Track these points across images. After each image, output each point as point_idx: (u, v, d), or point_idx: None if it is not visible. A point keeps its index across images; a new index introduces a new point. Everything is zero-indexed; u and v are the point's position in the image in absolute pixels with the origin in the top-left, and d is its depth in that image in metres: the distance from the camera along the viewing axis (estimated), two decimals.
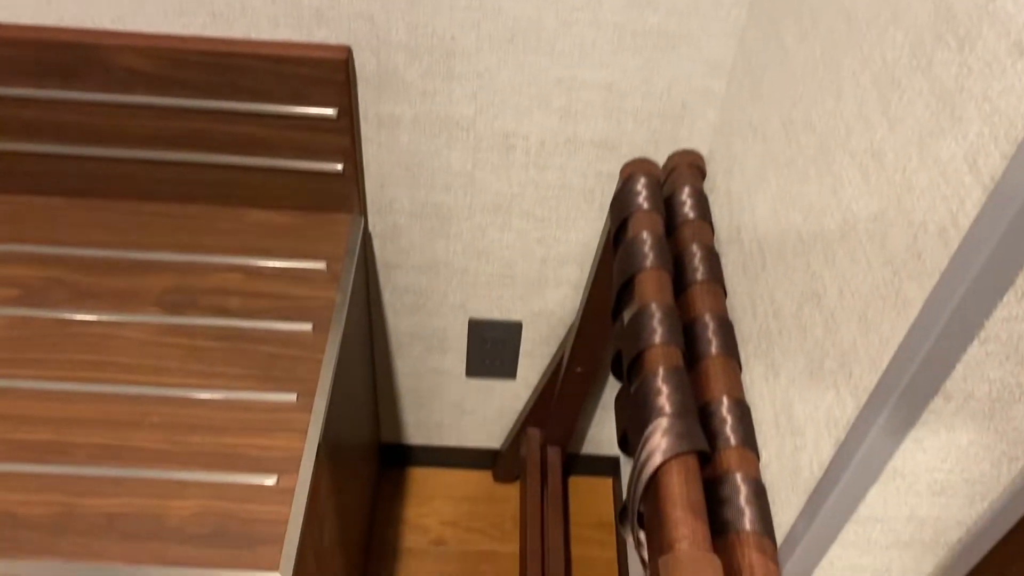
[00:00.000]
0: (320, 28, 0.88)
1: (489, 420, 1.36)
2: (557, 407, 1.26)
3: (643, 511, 0.71)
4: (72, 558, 0.71)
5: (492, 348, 1.23)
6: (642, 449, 0.71)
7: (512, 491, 1.43)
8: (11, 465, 0.76)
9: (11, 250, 0.94)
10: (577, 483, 1.46)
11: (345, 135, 0.94)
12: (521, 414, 1.34)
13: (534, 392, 1.29)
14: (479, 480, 1.45)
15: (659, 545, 0.65)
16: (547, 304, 1.16)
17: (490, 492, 1.43)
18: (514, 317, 1.19)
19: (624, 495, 0.76)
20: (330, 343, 0.88)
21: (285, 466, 0.78)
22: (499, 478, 1.44)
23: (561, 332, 1.21)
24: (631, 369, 0.80)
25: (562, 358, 1.19)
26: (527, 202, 1.03)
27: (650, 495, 0.69)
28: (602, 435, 1.39)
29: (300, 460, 0.79)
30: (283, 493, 0.76)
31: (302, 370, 0.86)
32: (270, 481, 0.77)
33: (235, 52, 0.87)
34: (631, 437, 0.76)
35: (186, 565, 0.71)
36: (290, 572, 0.71)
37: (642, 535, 0.73)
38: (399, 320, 1.19)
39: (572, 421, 1.29)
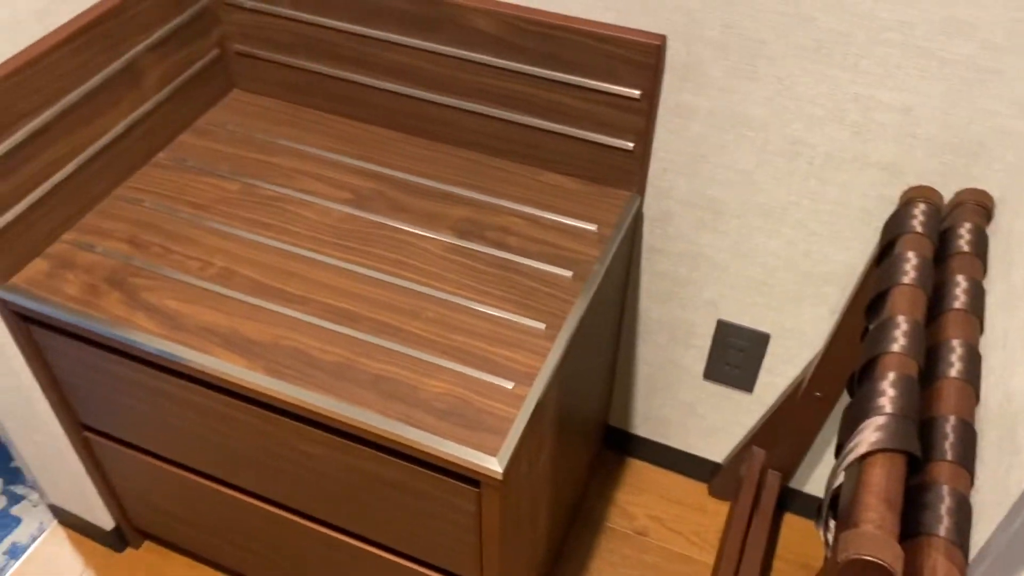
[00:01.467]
0: (642, 16, 0.99)
1: (716, 429, 1.40)
2: (788, 430, 1.27)
3: (837, 497, 0.74)
4: (342, 398, 0.88)
5: (735, 355, 1.27)
6: (850, 442, 0.74)
7: (724, 508, 1.46)
8: (316, 319, 0.95)
9: (352, 163, 1.16)
10: (791, 520, 1.45)
11: (642, 116, 1.05)
12: (750, 431, 1.36)
13: (768, 411, 1.31)
14: (694, 489, 1.48)
15: (845, 525, 0.68)
16: (799, 322, 1.19)
17: (701, 503, 1.46)
18: (763, 328, 1.22)
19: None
20: (584, 290, 0.99)
21: (522, 378, 0.90)
22: (714, 492, 1.47)
23: (808, 355, 1.22)
24: (862, 375, 0.82)
25: (802, 381, 1.21)
26: (801, 212, 1.08)
27: (848, 482, 0.72)
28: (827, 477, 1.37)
29: (536, 376, 0.90)
30: (516, 398, 0.88)
31: (555, 306, 0.97)
32: (508, 385, 0.89)
33: (566, 26, 1.01)
34: (843, 438, 0.78)
35: (423, 428, 0.85)
36: (505, 462, 0.82)
37: (832, 523, 0.75)
38: (651, 304, 1.27)
39: (800, 448, 1.29)
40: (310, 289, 0.99)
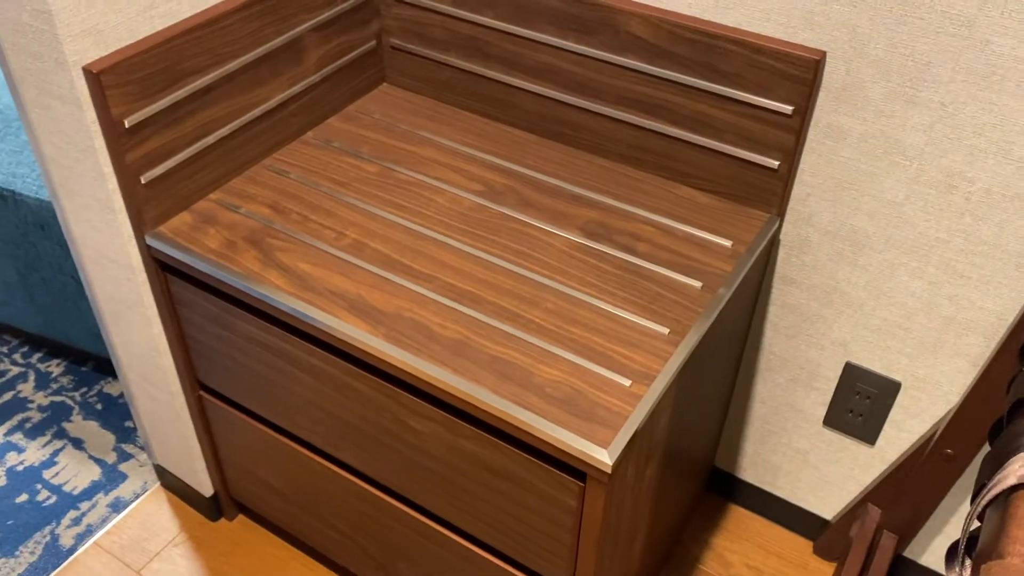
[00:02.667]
0: (804, 30, 0.98)
1: (829, 482, 1.33)
2: (910, 490, 1.20)
3: (977, 535, 0.68)
4: (458, 373, 0.88)
5: (860, 402, 1.21)
6: (992, 479, 0.69)
7: (827, 569, 1.38)
8: (439, 296, 0.96)
9: (487, 159, 1.18)
10: None
11: (792, 134, 1.03)
12: (866, 488, 1.29)
13: (889, 467, 1.24)
14: (797, 544, 1.41)
15: (988, 557, 0.63)
16: (935, 372, 1.12)
17: (804, 560, 1.39)
18: (894, 375, 1.16)
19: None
20: (713, 302, 0.97)
21: (640, 377, 0.88)
22: (819, 551, 1.40)
23: (940, 409, 1.15)
24: (1010, 414, 0.77)
25: (932, 437, 1.14)
26: (951, 252, 1.03)
27: (992, 517, 0.66)
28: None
29: (655, 378, 0.88)
30: (632, 396, 0.86)
31: (680, 313, 0.95)
32: (625, 382, 0.87)
33: (724, 35, 1.00)
34: (984, 479, 0.73)
35: (534, 411, 0.84)
36: (615, 456, 0.80)
37: (968, 563, 0.70)
38: (775, 339, 1.23)
39: (922, 511, 1.21)
40: (436, 268, 1.00)
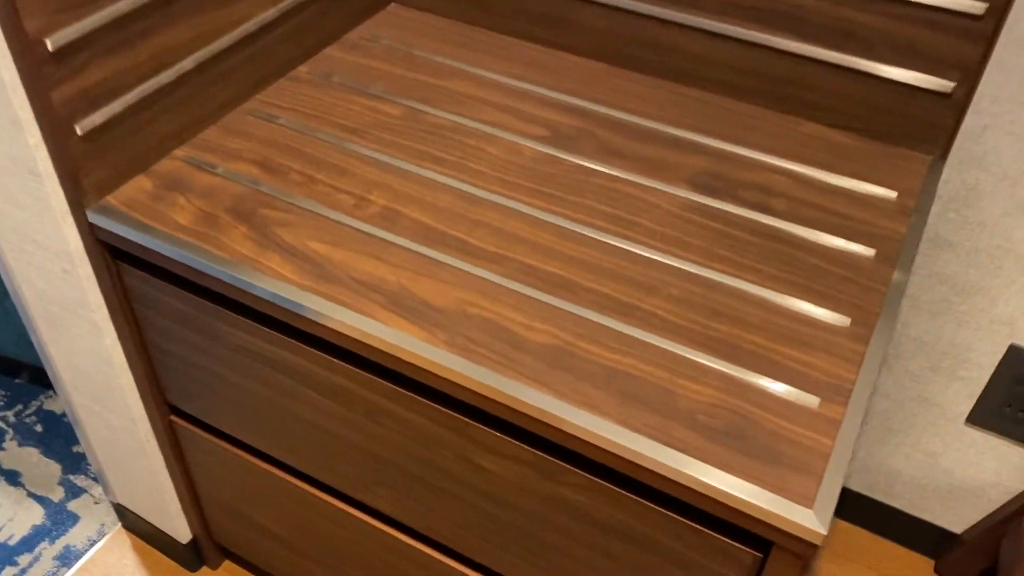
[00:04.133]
0: None
1: (964, 490, 1.09)
2: None
3: None
4: (562, 396, 0.60)
5: (1022, 394, 0.97)
6: None
7: None
8: (515, 284, 0.69)
9: (546, 95, 0.90)
10: None
11: (978, 44, 0.76)
12: (1017, 498, 1.05)
13: None
14: (914, 564, 1.17)
15: None
16: None
17: None
18: None
19: None
20: (896, 279, 0.71)
21: (830, 392, 0.61)
22: (943, 571, 1.16)
23: None
24: None
25: None
26: None
27: None
28: None
29: (851, 391, 0.61)
30: (826, 422, 0.59)
31: (857, 295, 0.69)
32: (810, 400, 0.61)
33: None
34: None
35: (687, 452, 0.57)
36: (826, 517, 0.54)
37: None
38: (914, 317, 0.97)
39: None
40: (504, 243, 0.72)
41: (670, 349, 0.64)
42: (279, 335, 0.72)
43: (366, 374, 0.69)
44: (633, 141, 0.84)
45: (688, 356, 0.64)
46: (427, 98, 0.89)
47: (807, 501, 0.55)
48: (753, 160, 0.82)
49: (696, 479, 0.56)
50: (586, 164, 0.81)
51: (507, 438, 0.65)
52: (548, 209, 0.76)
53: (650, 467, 0.58)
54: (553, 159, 0.82)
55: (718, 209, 0.77)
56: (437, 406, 0.67)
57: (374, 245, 0.72)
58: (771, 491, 0.55)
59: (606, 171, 0.81)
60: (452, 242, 0.72)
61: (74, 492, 1.20)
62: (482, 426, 0.66)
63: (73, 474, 1.22)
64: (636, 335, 0.65)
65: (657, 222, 0.75)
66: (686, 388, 0.61)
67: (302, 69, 0.93)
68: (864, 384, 0.62)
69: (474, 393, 0.62)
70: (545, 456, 0.64)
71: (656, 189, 0.79)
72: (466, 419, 0.66)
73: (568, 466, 0.63)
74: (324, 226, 0.74)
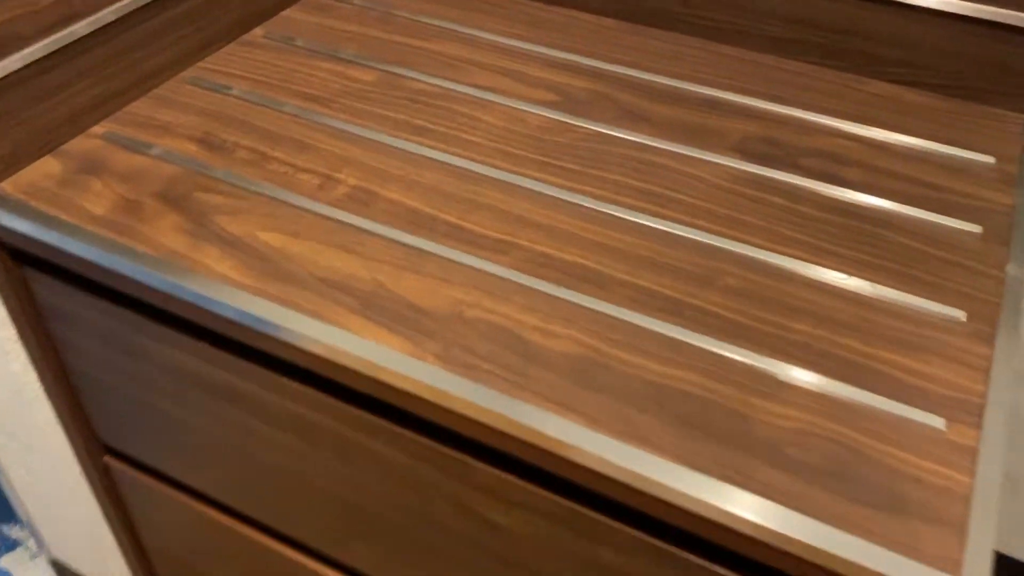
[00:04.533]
0: None
1: None
2: None
3: None
4: (598, 426, 0.45)
5: None
6: None
7: None
8: (526, 278, 0.53)
9: (552, 55, 0.75)
10: None
11: None
12: None
13: None
14: None
15: None
16: None
17: None
18: None
19: None
20: (1014, 261, 0.55)
21: (954, 411, 0.46)
22: None
23: None
24: None
25: None
26: None
27: None
28: None
29: (984, 406, 0.46)
30: (958, 452, 0.44)
31: (968, 282, 0.54)
32: (933, 422, 0.45)
33: None
34: None
35: (791, 504, 0.41)
36: None
37: None
38: None
39: None
40: (508, 228, 0.57)
41: (736, 358, 0.49)
42: (222, 352, 0.56)
43: (333, 400, 0.53)
44: (661, 104, 0.69)
45: (761, 367, 0.48)
46: (408, 61, 0.74)
47: (950, 566, 0.39)
48: (813, 123, 0.67)
49: (795, 540, 0.40)
50: (605, 131, 0.66)
51: (523, 483, 0.49)
52: (563, 185, 0.61)
53: (728, 523, 0.42)
54: (565, 127, 0.66)
55: (777, 180, 0.61)
56: (428, 440, 0.51)
57: (344, 234, 0.56)
58: (900, 552, 0.40)
59: (631, 139, 0.65)
60: (442, 228, 0.57)
61: (7, 545, 1.03)
62: (489, 467, 0.50)
63: (5, 523, 1.05)
64: (688, 340, 0.50)
65: (702, 197, 0.60)
66: (765, 410, 0.46)
67: (257, 32, 0.77)
68: (999, 397, 0.47)
69: (476, 423, 0.47)
70: (575, 507, 0.48)
71: (696, 158, 0.63)
72: (466, 457, 0.50)
73: (608, 520, 0.48)
74: (279, 212, 0.58)
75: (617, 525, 0.47)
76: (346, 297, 0.52)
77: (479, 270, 0.54)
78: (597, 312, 0.51)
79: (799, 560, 0.41)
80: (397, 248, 0.55)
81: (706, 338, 0.50)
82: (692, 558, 0.46)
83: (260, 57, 0.74)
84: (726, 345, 0.49)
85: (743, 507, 0.41)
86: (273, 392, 0.56)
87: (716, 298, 0.52)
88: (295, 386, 0.54)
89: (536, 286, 0.53)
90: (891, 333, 0.50)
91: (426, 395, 0.47)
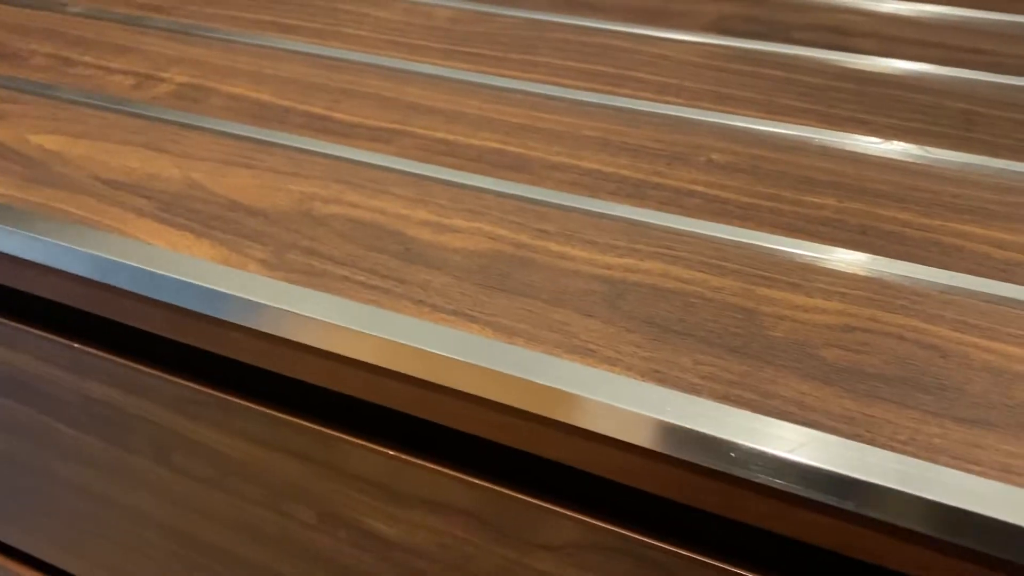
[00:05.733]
0: None
1: None
2: None
3: None
4: (513, 339, 0.27)
5: None
6: None
7: None
8: (423, 168, 0.37)
9: None
10: None
11: None
12: None
13: None
14: None
15: None
16: None
17: None
18: None
19: None
20: None
21: None
22: None
23: None
24: None
25: None
26: None
27: None
28: None
29: None
30: None
31: None
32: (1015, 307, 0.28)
33: None
34: None
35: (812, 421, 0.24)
36: None
37: None
38: None
39: None
40: (397, 115, 0.41)
41: (732, 238, 0.32)
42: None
43: (128, 363, 0.36)
44: None
45: (770, 246, 0.31)
46: None
47: None
48: (802, 0, 0.52)
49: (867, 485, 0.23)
50: (540, 17, 0.50)
51: (423, 462, 0.32)
52: (476, 70, 0.45)
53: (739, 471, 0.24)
54: (482, 16, 0.51)
55: (770, 52, 0.46)
56: (268, 410, 0.34)
57: (154, 132, 0.40)
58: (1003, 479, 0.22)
59: (571, 22, 0.50)
60: (299, 120, 0.40)
61: None
62: (363, 442, 0.32)
63: None
64: (658, 222, 0.33)
65: (669, 75, 0.44)
66: (783, 302, 0.29)
67: None
68: None
69: (332, 359, 0.29)
70: (498, 490, 0.31)
71: (658, 38, 0.48)
72: (329, 430, 0.33)
73: (552, 506, 0.30)
74: (63, 115, 0.41)
75: (562, 511, 0.29)
76: (138, 199, 0.35)
77: (345, 159, 0.37)
78: (520, 199, 0.35)
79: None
80: (228, 142, 0.39)
81: (685, 219, 0.33)
82: (707, 558, 0.28)
83: None
84: (715, 226, 0.33)
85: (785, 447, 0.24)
86: (45, 360, 0.38)
87: (697, 176, 0.36)
88: (73, 347, 0.36)
89: (430, 174, 0.36)
90: (944, 200, 0.34)
91: (245, 321, 0.30)
